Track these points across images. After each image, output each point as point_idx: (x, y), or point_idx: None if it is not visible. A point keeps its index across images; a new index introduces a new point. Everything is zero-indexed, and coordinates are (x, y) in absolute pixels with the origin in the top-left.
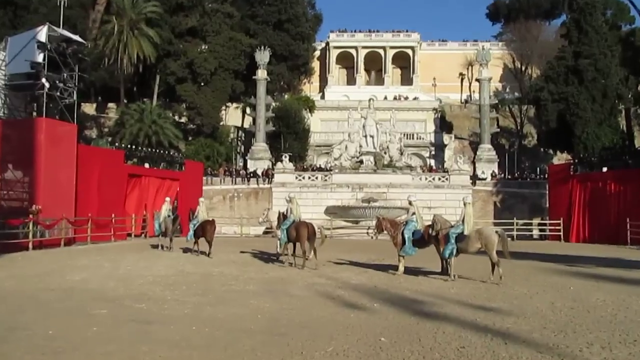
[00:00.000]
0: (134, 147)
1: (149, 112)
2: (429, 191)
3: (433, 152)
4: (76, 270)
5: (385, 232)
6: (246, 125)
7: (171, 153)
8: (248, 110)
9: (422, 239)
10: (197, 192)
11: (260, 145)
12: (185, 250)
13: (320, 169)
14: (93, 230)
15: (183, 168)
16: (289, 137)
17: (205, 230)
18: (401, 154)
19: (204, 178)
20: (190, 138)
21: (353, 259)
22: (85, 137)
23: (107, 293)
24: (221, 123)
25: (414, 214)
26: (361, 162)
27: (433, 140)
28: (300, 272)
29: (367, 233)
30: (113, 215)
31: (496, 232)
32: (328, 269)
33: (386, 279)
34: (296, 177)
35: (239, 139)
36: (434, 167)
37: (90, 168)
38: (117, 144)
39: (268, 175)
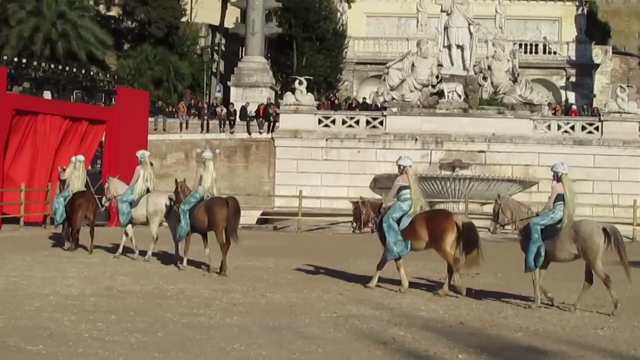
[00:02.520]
0: (24, 61)
1: None
2: (563, 150)
3: (573, 79)
4: None
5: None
6: (229, 25)
7: (93, 73)
8: None
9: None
10: (136, 143)
11: (254, 61)
12: (119, 249)
13: (364, 107)
14: None
15: (113, 101)
16: (308, 47)
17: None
18: (514, 80)
19: (151, 120)
20: (126, 46)
21: (420, 273)
22: None
23: None
24: (183, 19)
25: (404, 189)
26: (440, 94)
27: (573, 57)
28: (319, 295)
29: (351, 225)
30: None
31: (603, 228)
32: (373, 290)
33: (480, 311)
34: (320, 121)
35: (216, 49)
36: (573, 106)
37: None
38: None
39: (268, 116)
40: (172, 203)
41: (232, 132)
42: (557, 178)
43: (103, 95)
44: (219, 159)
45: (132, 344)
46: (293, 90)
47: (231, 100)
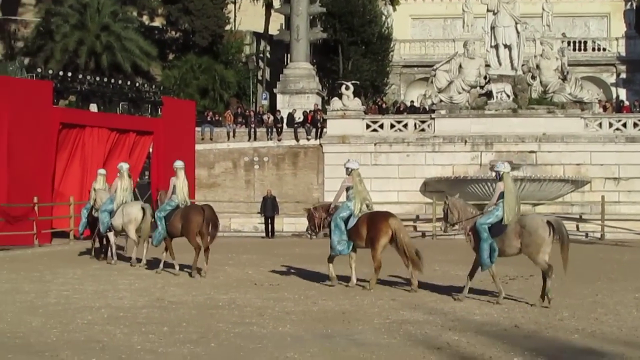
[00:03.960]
0: (69, 75)
1: (95, 11)
2: (615, 147)
3: (623, 75)
4: None
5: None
6: (273, 31)
7: (138, 84)
8: (276, 2)
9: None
10: (184, 153)
11: (300, 68)
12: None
13: (412, 110)
14: (0, 226)
15: (160, 112)
16: (353, 52)
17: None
18: (564, 79)
19: (198, 130)
20: (171, 57)
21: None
22: None
23: (29, 338)
24: (227, 27)
25: (349, 189)
26: (488, 95)
27: (623, 53)
28: (372, 301)
29: (307, 232)
30: (35, 201)
31: (547, 222)
32: (426, 295)
33: (535, 313)
34: (368, 126)
35: (261, 56)
36: (625, 103)
37: None
38: (39, 71)
39: (315, 122)
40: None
41: (279, 140)
42: (499, 177)
43: (149, 106)
44: (267, 167)
45: (185, 355)
46: (340, 96)
47: (278, 108)
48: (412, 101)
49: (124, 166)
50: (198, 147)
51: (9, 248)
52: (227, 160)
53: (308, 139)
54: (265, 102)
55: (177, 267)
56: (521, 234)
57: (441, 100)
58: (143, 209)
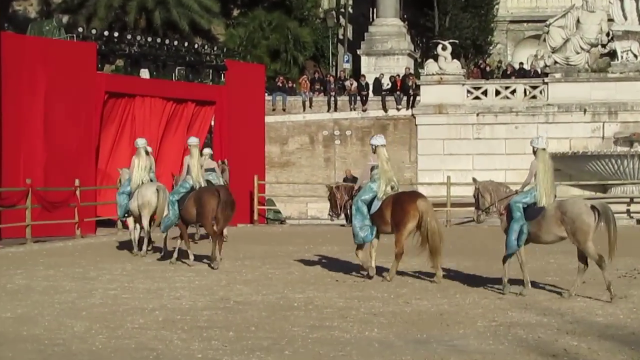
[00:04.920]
0: (116, 35)
1: None
2: None
3: None
4: (4, 298)
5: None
6: None
7: (197, 46)
8: None
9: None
10: (252, 127)
11: (388, 25)
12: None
13: (521, 73)
14: (36, 214)
15: (223, 78)
16: (451, 5)
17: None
18: None
19: (268, 99)
20: (236, 13)
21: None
22: (14, 15)
23: (70, 345)
24: None
25: (374, 168)
26: (612, 55)
27: None
28: (475, 300)
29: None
30: (77, 184)
31: (592, 206)
32: (539, 293)
33: None
34: (469, 93)
35: (342, 11)
36: None
37: (24, 81)
38: (80, 30)
39: (407, 89)
40: None
41: (364, 110)
42: (534, 153)
43: (211, 71)
44: (349, 143)
45: None
46: (436, 57)
47: (362, 72)
48: (521, 63)
49: (140, 142)
50: (268, 119)
51: (47, 240)
52: (303, 134)
53: (398, 109)
54: (348, 66)
55: (191, 257)
56: (563, 220)
57: (556, 62)
58: (158, 190)
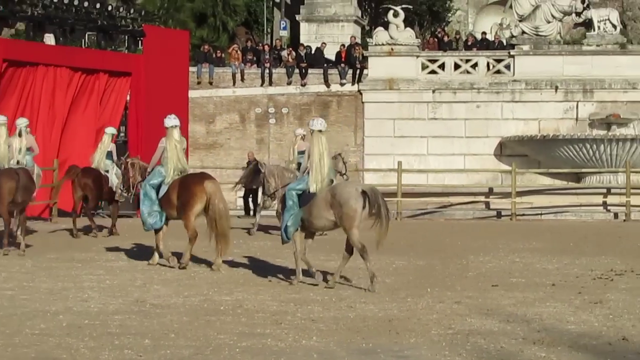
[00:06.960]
0: None
1: None
2: None
3: None
4: None
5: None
6: None
7: (111, 8)
8: None
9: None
10: (173, 102)
11: None
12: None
13: (484, 45)
14: None
15: (140, 45)
16: None
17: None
18: None
19: (192, 70)
20: None
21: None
22: None
23: None
24: None
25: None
26: (587, 25)
27: None
28: (429, 304)
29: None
30: None
31: (363, 191)
32: (502, 296)
33: None
34: (424, 66)
35: None
36: None
37: None
38: None
39: (352, 61)
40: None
41: (303, 84)
42: (311, 134)
43: (126, 38)
44: (286, 122)
45: None
46: (386, 25)
47: (302, 41)
48: (483, 33)
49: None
50: (192, 94)
51: None
52: (233, 112)
53: (342, 84)
54: (285, 33)
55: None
56: (332, 204)
57: (523, 32)
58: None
